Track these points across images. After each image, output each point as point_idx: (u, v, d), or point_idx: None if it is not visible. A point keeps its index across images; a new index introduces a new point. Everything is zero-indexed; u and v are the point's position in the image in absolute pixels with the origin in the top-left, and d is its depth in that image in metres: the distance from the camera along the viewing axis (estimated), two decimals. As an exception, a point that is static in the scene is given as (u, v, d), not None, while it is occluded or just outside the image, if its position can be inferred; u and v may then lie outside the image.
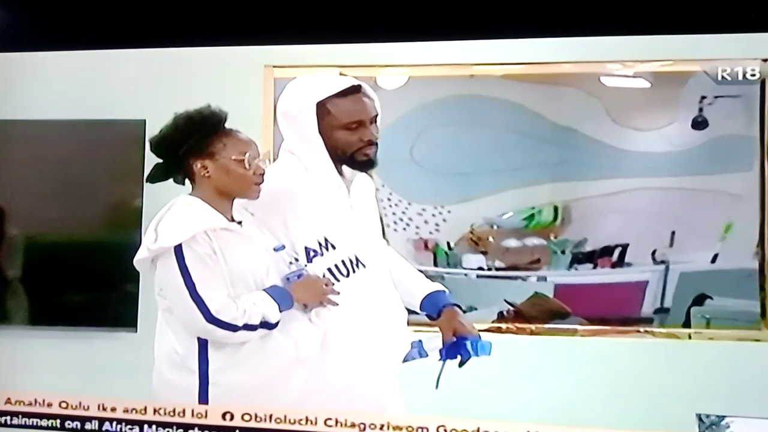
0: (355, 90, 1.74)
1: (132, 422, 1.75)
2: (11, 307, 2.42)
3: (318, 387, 1.71)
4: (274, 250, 1.69)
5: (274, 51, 2.28)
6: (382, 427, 1.70)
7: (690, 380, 2.08)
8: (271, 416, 1.69)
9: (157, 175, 1.70)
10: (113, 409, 1.78)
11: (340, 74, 2.03)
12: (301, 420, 1.69)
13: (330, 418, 1.70)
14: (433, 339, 1.81)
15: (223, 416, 1.69)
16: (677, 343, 2.16)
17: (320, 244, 1.72)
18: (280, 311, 1.65)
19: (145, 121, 2.31)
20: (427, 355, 1.81)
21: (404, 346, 1.80)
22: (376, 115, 1.77)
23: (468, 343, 1.77)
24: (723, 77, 2.08)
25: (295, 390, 1.71)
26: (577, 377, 2.12)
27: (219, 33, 2.24)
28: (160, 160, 1.70)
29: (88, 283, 2.39)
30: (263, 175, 1.66)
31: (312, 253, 1.72)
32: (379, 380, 1.77)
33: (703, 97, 2.17)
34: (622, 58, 2.20)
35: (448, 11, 2.11)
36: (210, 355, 1.64)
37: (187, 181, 1.72)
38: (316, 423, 1.68)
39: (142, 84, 2.37)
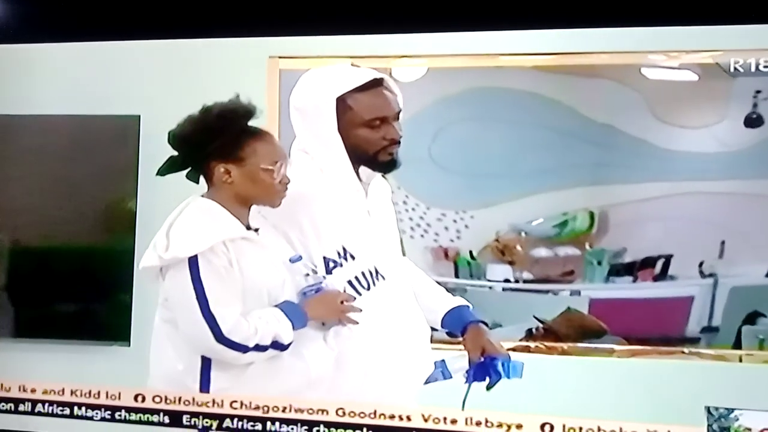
0: (377, 83, 1.64)
1: (62, 404, 1.84)
2: (-5, 319, 2.36)
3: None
4: (290, 261, 1.61)
5: (279, 41, 2.21)
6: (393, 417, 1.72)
7: (740, 407, 1.88)
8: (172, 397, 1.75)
9: (169, 169, 1.61)
10: (33, 390, 1.87)
11: (352, 65, 1.91)
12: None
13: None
14: (458, 359, 1.72)
15: (135, 398, 1.78)
16: (726, 365, 2.09)
17: (339, 254, 1.63)
18: (294, 330, 1.57)
19: (139, 116, 2.26)
20: (451, 377, 1.72)
21: (427, 367, 1.72)
22: (400, 111, 1.67)
23: (499, 364, 1.68)
24: (736, 69, 2.04)
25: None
26: (613, 402, 1.97)
27: (221, 23, 2.17)
28: (174, 153, 1.61)
29: (77, 292, 2.31)
30: (288, 184, 1.59)
31: (331, 264, 1.63)
32: (401, 403, 1.72)
33: (758, 92, 2.06)
34: (666, 48, 2.10)
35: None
36: (213, 374, 1.57)
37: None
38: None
39: (139, 77, 2.30)
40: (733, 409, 1.71)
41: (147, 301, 2.06)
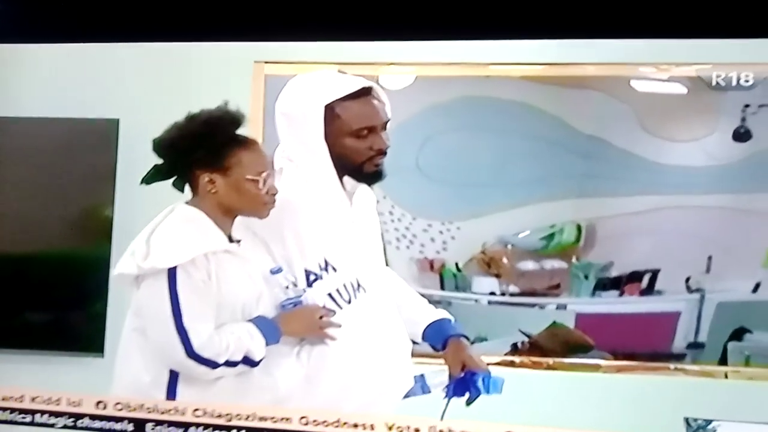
0: (366, 92, 1.61)
1: (23, 411, 1.81)
2: (-37, 328, 2.32)
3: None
4: (271, 272, 1.57)
5: (265, 46, 2.21)
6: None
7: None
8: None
9: (153, 177, 1.57)
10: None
11: (339, 72, 1.88)
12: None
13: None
14: (438, 373, 1.70)
15: (97, 405, 1.75)
16: (712, 382, 2.09)
17: (320, 266, 1.60)
18: (267, 346, 1.54)
19: (118, 120, 2.23)
20: (430, 392, 1.69)
21: (407, 381, 1.68)
22: (388, 121, 1.65)
23: (479, 379, 1.65)
24: (718, 83, 2.07)
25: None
26: (599, 418, 1.96)
27: (206, 27, 2.15)
28: (156, 160, 1.57)
29: (50, 300, 2.28)
30: (275, 195, 1.55)
31: (312, 277, 1.59)
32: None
33: (747, 106, 2.08)
34: (656, 60, 2.11)
35: (462, 6, 2.01)
36: (179, 388, 1.53)
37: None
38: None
39: (120, 80, 2.28)
40: (711, 420, 1.72)
41: (122, 311, 2.01)
